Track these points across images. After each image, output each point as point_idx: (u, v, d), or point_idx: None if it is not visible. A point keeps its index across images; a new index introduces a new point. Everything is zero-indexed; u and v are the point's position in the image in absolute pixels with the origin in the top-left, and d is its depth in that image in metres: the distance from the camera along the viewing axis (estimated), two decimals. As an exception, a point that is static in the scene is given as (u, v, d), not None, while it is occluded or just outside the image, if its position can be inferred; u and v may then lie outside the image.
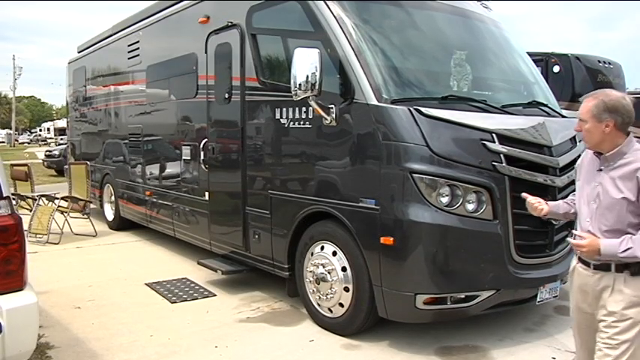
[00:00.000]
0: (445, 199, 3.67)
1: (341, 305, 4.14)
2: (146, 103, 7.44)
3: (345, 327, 4.16)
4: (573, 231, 2.49)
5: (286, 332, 4.31)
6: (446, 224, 3.64)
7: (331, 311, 4.25)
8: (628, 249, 2.30)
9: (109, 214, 8.92)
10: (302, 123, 4.42)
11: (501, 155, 3.81)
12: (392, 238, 3.68)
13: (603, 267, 2.43)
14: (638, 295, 2.36)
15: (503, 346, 4.01)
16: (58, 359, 3.82)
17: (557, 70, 12.87)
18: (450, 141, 3.75)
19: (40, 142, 53.70)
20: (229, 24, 5.30)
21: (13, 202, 3.08)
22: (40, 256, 6.83)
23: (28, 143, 58.02)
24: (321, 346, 4.03)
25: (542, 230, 4.01)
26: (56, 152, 19.31)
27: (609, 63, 13.71)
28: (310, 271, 4.37)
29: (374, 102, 3.82)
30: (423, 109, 3.73)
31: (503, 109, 4.21)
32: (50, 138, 53.84)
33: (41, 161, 20.42)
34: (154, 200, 7.22)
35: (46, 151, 21.01)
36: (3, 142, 55.03)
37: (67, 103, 11.63)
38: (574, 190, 4.20)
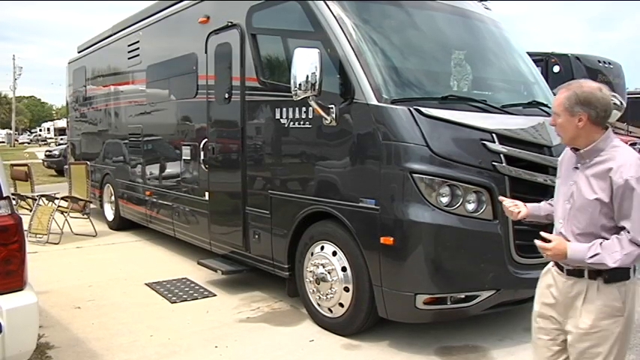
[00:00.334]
0: (445, 199, 3.67)
1: (341, 305, 4.14)
2: (146, 103, 7.44)
3: (345, 327, 4.16)
4: (541, 233, 2.29)
5: (286, 332, 4.31)
6: (446, 224, 3.64)
7: (331, 311, 4.25)
8: (595, 255, 2.12)
9: (109, 214, 8.92)
10: (302, 123, 4.42)
11: (501, 155, 3.81)
12: (392, 238, 3.68)
13: (576, 272, 2.25)
14: (611, 305, 2.19)
15: (503, 346, 4.01)
16: (58, 359, 3.82)
17: (557, 70, 12.88)
18: (450, 141, 3.75)
19: (40, 142, 53.71)
20: (229, 24, 5.30)
21: (13, 202, 3.08)
22: (40, 256, 6.83)
23: (28, 143, 58.03)
24: (321, 346, 4.03)
25: (542, 230, 4.00)
26: (56, 152, 19.31)
27: (609, 63, 13.72)
28: (310, 271, 4.37)
29: (374, 102, 3.82)
30: (423, 109, 3.73)
31: (503, 109, 4.21)
32: (50, 138, 53.85)
33: (41, 161, 20.43)
34: (154, 200, 7.22)
35: (46, 151, 21.01)
36: (3, 142, 55.04)
37: (67, 103, 11.64)
38: None
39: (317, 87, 3.86)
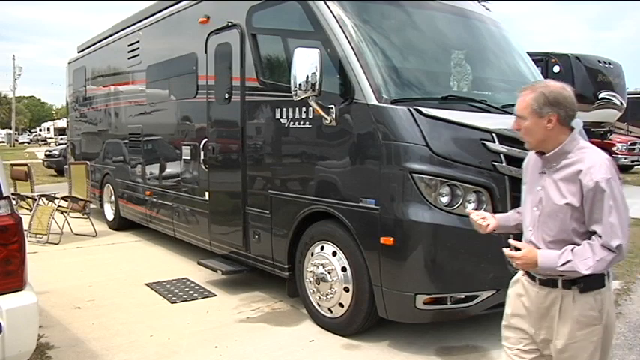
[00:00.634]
0: (445, 199, 3.67)
1: (341, 305, 4.14)
2: (146, 103, 7.44)
3: (345, 327, 4.16)
4: (510, 241, 2.20)
5: (286, 332, 4.31)
6: (446, 224, 3.64)
7: (331, 311, 4.25)
8: (567, 262, 2.03)
9: (109, 214, 8.92)
10: (302, 123, 4.42)
11: (501, 155, 3.81)
12: (392, 238, 3.68)
13: (550, 282, 2.15)
14: (587, 314, 2.10)
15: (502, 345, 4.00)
16: (58, 359, 3.82)
17: (557, 70, 12.89)
18: (449, 141, 3.75)
19: (40, 142, 53.72)
20: (229, 24, 5.30)
21: (13, 202, 3.08)
22: (40, 256, 6.83)
23: (28, 143, 58.05)
24: (321, 346, 4.03)
25: None
26: (56, 152, 19.30)
27: (609, 63, 13.73)
28: (310, 271, 4.37)
29: (374, 102, 3.82)
30: (423, 109, 3.73)
31: (503, 109, 4.20)
32: (50, 138, 53.90)
33: (41, 161, 20.42)
34: (154, 200, 7.22)
35: (46, 151, 21.00)
36: (3, 142, 55.05)
37: (67, 103, 11.63)
38: None
39: (317, 87, 3.86)
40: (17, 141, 57.94)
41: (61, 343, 4.07)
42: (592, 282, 2.10)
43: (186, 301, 5.08)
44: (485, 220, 2.40)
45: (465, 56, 4.66)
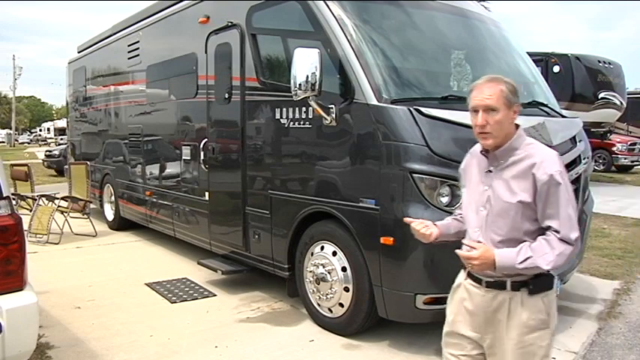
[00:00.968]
0: (445, 199, 3.66)
1: (341, 305, 4.14)
2: (146, 103, 7.44)
3: (345, 327, 4.16)
4: (463, 241, 2.12)
5: (286, 332, 4.31)
6: (446, 224, 3.64)
7: (331, 311, 4.25)
8: (527, 258, 1.94)
9: (109, 214, 8.92)
10: (302, 123, 4.42)
11: (501, 155, 3.80)
12: (392, 238, 3.68)
13: (497, 285, 2.06)
14: (536, 317, 2.03)
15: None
16: (58, 359, 3.82)
17: (557, 70, 12.91)
18: (450, 141, 3.75)
19: (40, 142, 53.72)
20: (229, 24, 5.30)
21: (13, 202, 3.08)
22: (40, 256, 6.83)
23: (28, 143, 58.05)
24: (321, 346, 4.03)
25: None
26: (56, 152, 19.29)
27: (609, 63, 13.75)
28: (310, 271, 4.37)
29: (374, 102, 3.82)
30: (423, 109, 3.73)
31: (504, 109, 4.20)
32: (50, 138, 53.89)
33: (41, 161, 20.41)
34: (154, 200, 7.22)
35: (46, 151, 20.98)
36: (3, 142, 55.05)
37: (67, 103, 11.63)
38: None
39: (317, 87, 3.86)
40: (17, 141, 57.95)
41: (61, 343, 4.07)
42: (541, 284, 2.04)
43: (186, 301, 5.08)
44: (427, 228, 2.27)
45: (465, 56, 4.66)
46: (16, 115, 62.66)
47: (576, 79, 12.90)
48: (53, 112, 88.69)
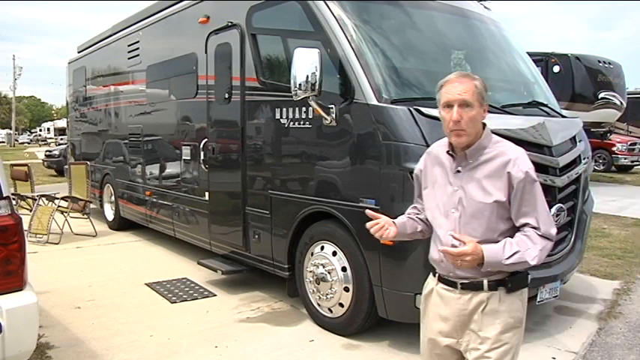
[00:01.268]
0: (445, 199, 3.66)
1: (341, 305, 4.14)
2: (146, 103, 7.44)
3: (345, 327, 4.16)
4: (451, 233, 2.01)
5: (286, 332, 4.31)
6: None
7: (331, 311, 4.25)
8: (515, 253, 1.90)
9: (109, 214, 8.92)
10: (302, 123, 4.41)
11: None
12: (392, 238, 3.67)
13: (473, 286, 2.00)
14: (514, 316, 2.01)
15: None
16: (58, 359, 3.82)
17: (557, 70, 12.91)
18: (449, 141, 3.74)
19: (40, 142, 53.72)
20: (229, 24, 5.30)
21: (13, 202, 3.08)
22: (40, 256, 6.83)
23: (28, 143, 58.04)
24: (321, 346, 4.03)
25: None
26: (56, 152, 19.29)
27: (609, 63, 13.75)
28: (310, 271, 4.37)
29: (374, 102, 3.82)
30: (423, 109, 3.73)
31: (503, 109, 4.21)
32: (50, 138, 53.88)
33: (41, 161, 20.41)
34: (154, 200, 7.22)
35: (46, 151, 20.99)
36: (3, 142, 55.04)
37: (67, 103, 11.63)
38: (571, 191, 4.25)
39: (317, 87, 3.85)
40: (17, 141, 57.95)
41: (61, 343, 4.07)
42: (519, 281, 2.03)
43: (186, 301, 5.08)
44: (383, 228, 2.17)
45: (465, 56, 4.66)
46: (16, 115, 62.68)
47: (576, 79, 12.90)
48: (53, 112, 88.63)
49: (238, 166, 5.23)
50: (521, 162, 1.97)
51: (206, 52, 5.72)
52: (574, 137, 4.49)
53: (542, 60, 12.61)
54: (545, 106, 4.77)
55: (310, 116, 4.30)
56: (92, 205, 8.89)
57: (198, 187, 6.03)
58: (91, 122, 9.86)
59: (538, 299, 3.98)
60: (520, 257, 1.90)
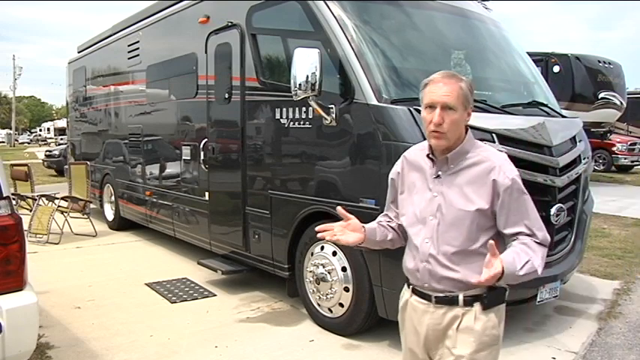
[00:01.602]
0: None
1: (341, 305, 4.14)
2: (146, 103, 7.44)
3: (345, 327, 4.16)
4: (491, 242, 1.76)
5: (286, 332, 4.31)
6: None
7: (331, 311, 4.25)
8: (526, 263, 1.75)
9: (109, 214, 8.92)
10: (302, 123, 4.41)
11: (501, 155, 3.80)
12: (392, 238, 3.67)
13: (448, 300, 1.90)
14: (490, 334, 1.89)
15: (503, 346, 3.96)
16: (58, 359, 3.82)
17: (557, 70, 12.91)
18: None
19: (40, 142, 53.72)
20: (229, 24, 5.30)
21: (13, 202, 3.08)
22: (40, 256, 6.83)
23: (28, 143, 58.04)
24: (321, 346, 4.03)
25: None
26: (56, 152, 19.30)
27: (609, 63, 13.75)
28: (310, 271, 4.37)
29: (374, 102, 3.82)
30: (423, 109, 3.72)
31: (503, 109, 4.21)
32: (50, 138, 53.89)
33: (41, 161, 20.41)
34: (154, 200, 7.22)
35: (46, 151, 21.00)
36: (3, 142, 55.05)
37: (67, 103, 11.63)
38: (571, 191, 4.25)
39: (317, 87, 3.85)
40: (17, 141, 57.95)
41: (61, 343, 4.07)
42: (496, 297, 1.92)
43: (186, 301, 5.08)
44: (343, 232, 2.06)
45: (465, 56, 4.66)
46: (16, 115, 62.68)
47: (576, 79, 12.90)
48: (53, 112, 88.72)
49: (238, 166, 5.23)
50: (506, 169, 1.87)
51: (206, 52, 5.72)
52: (574, 137, 4.49)
53: (542, 60, 12.61)
54: (545, 106, 4.77)
55: (310, 116, 4.30)
56: (92, 205, 8.89)
57: (198, 187, 6.03)
58: (91, 122, 9.86)
59: (538, 299, 3.98)
60: (531, 267, 1.77)
